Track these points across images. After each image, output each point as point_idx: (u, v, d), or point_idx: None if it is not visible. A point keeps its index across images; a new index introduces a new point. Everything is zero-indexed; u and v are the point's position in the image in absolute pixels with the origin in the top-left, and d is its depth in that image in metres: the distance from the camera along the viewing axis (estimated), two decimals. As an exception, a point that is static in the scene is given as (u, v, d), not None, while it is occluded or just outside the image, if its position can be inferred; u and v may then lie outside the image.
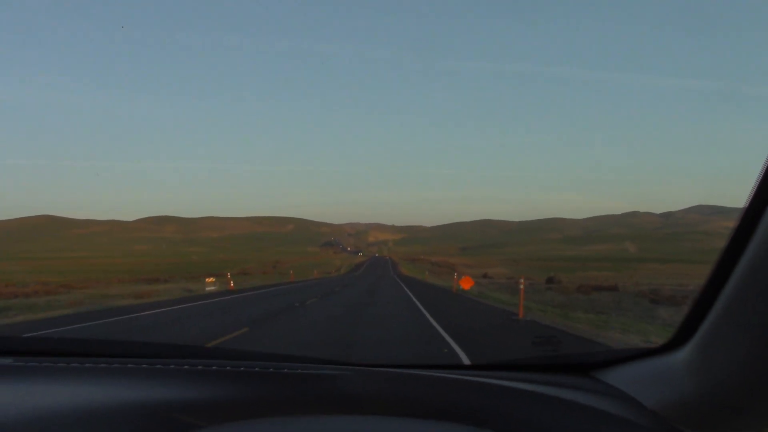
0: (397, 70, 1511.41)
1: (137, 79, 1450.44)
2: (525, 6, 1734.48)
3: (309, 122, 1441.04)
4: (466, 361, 8.62)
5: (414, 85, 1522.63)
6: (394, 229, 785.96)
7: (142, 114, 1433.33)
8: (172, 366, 1.46)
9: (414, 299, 24.72)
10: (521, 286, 18.22)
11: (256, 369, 1.45)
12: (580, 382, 1.51)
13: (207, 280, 35.62)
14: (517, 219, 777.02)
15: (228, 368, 1.45)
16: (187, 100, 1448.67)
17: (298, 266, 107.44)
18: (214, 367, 1.46)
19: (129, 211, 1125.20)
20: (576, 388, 1.46)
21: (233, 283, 38.08)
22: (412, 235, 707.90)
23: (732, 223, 1.00)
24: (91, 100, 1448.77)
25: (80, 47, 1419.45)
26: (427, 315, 16.79)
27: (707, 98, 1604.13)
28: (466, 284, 28.55)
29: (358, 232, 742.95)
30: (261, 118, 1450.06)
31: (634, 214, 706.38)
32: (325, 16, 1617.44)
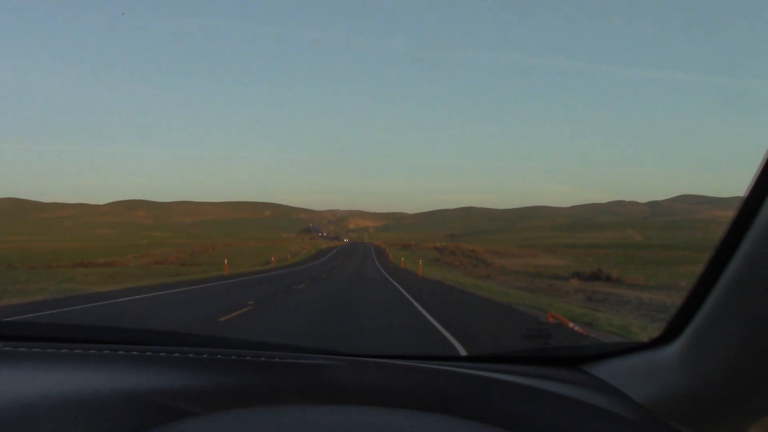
0: (380, 59, 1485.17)
1: (111, 61, 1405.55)
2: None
3: (291, 108, 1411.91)
4: None
5: (397, 74, 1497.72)
6: (375, 216, 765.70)
7: (118, 96, 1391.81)
8: (163, 353, 1.45)
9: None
10: None
11: (248, 358, 1.44)
12: (570, 375, 1.50)
13: None
14: (500, 207, 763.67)
15: (219, 356, 1.43)
16: (165, 83, 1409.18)
17: (245, 252, 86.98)
18: (204, 355, 1.44)
19: (99, 195, 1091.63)
20: (565, 381, 1.45)
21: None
22: (395, 222, 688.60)
23: (723, 212, 1.43)
24: (61, 81, 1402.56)
25: (49, 26, 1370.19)
26: None
27: (693, 90, 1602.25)
28: None
29: (339, 218, 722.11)
30: (241, 103, 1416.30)
31: (619, 203, 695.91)
32: (306, 1, 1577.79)
